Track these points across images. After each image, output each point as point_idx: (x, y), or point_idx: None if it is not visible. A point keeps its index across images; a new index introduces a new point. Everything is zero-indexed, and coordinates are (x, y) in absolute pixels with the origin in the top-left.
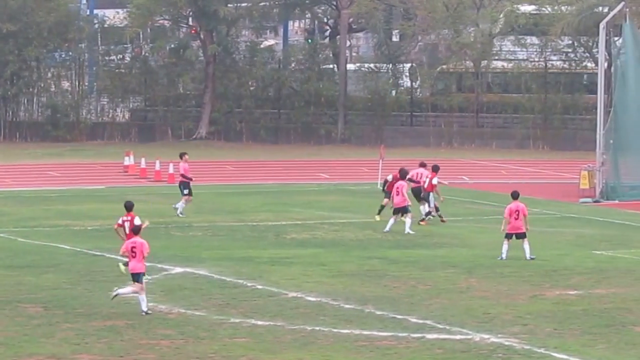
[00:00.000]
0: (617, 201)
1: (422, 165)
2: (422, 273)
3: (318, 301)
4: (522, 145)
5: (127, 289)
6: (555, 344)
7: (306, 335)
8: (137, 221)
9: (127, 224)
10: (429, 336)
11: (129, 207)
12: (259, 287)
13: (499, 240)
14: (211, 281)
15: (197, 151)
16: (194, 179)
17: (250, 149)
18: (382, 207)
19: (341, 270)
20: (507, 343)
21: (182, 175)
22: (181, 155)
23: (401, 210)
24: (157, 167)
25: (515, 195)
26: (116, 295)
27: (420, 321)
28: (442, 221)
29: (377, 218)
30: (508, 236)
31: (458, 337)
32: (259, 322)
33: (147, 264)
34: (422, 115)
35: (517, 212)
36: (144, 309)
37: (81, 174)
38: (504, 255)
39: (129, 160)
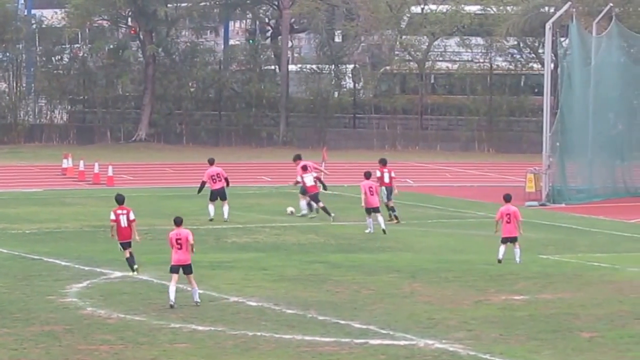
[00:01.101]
0: (563, 205)
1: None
2: (365, 277)
3: (259, 306)
4: (467, 147)
5: (195, 287)
6: (501, 350)
7: (247, 341)
8: (132, 215)
9: (122, 218)
10: (373, 342)
11: (120, 200)
12: (200, 291)
13: (443, 244)
14: (151, 285)
15: (137, 153)
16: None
17: (191, 151)
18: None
19: (283, 275)
20: (451, 349)
21: (226, 180)
22: (213, 162)
23: (375, 210)
24: (96, 169)
25: (507, 198)
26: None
27: (364, 326)
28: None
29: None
30: (504, 241)
31: (402, 342)
32: (200, 327)
33: (86, 268)
34: (365, 117)
35: (508, 216)
36: (197, 299)
37: (18, 176)
38: (500, 256)
39: (67, 163)
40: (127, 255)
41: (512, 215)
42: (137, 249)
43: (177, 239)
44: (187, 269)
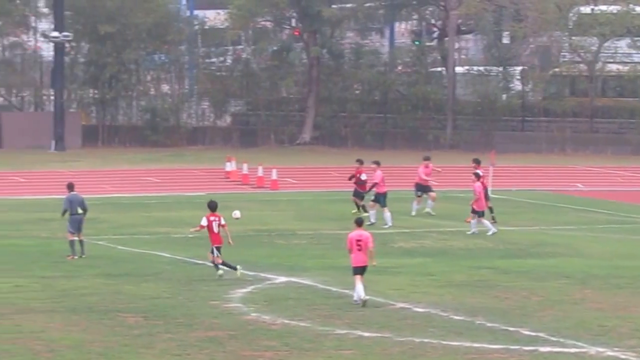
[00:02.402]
0: None
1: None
2: (533, 283)
3: (426, 312)
4: (638, 151)
5: (360, 286)
6: None
7: (414, 348)
8: (223, 221)
9: (214, 224)
10: (542, 349)
11: (213, 207)
12: (366, 297)
13: (614, 250)
14: (315, 291)
15: (301, 157)
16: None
17: (356, 155)
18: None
19: (450, 280)
20: (623, 357)
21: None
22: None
23: (482, 214)
24: (260, 173)
25: None
26: (365, 301)
27: (533, 334)
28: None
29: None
30: None
31: (572, 350)
32: (366, 334)
33: (250, 273)
34: (533, 120)
35: None
36: (356, 298)
37: (181, 179)
38: None
39: (230, 166)
40: (220, 260)
41: None
42: (302, 254)
43: (357, 240)
44: (360, 270)
